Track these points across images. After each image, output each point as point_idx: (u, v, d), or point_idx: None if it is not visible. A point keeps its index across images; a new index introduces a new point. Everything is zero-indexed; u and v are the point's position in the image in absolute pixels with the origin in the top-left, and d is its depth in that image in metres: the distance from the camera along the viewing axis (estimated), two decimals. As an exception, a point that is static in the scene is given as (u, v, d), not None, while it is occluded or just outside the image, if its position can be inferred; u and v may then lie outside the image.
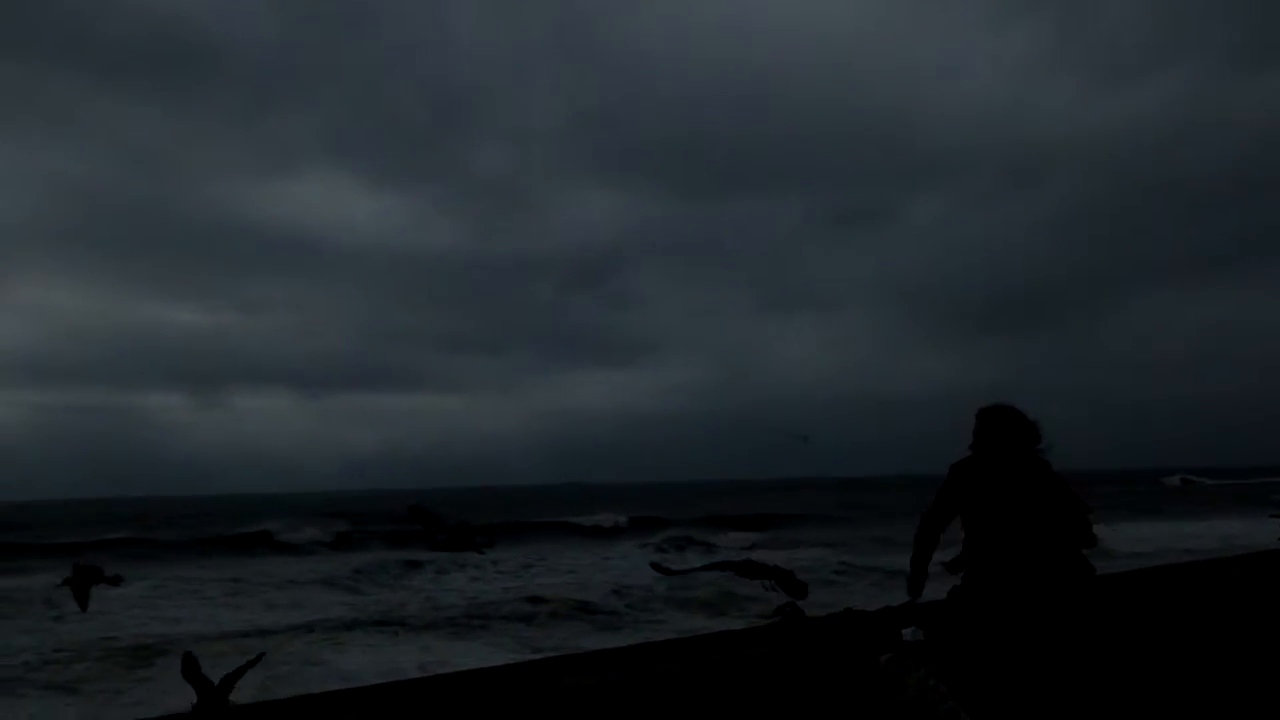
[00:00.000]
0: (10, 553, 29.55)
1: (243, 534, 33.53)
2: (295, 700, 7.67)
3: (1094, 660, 4.12)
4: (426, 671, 9.18)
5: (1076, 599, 3.44)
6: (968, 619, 3.53)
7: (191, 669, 7.74)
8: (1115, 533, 23.19)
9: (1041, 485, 3.53)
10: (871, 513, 40.96)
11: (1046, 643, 3.38)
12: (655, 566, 13.88)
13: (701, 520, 37.22)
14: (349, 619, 13.60)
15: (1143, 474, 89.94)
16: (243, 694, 8.57)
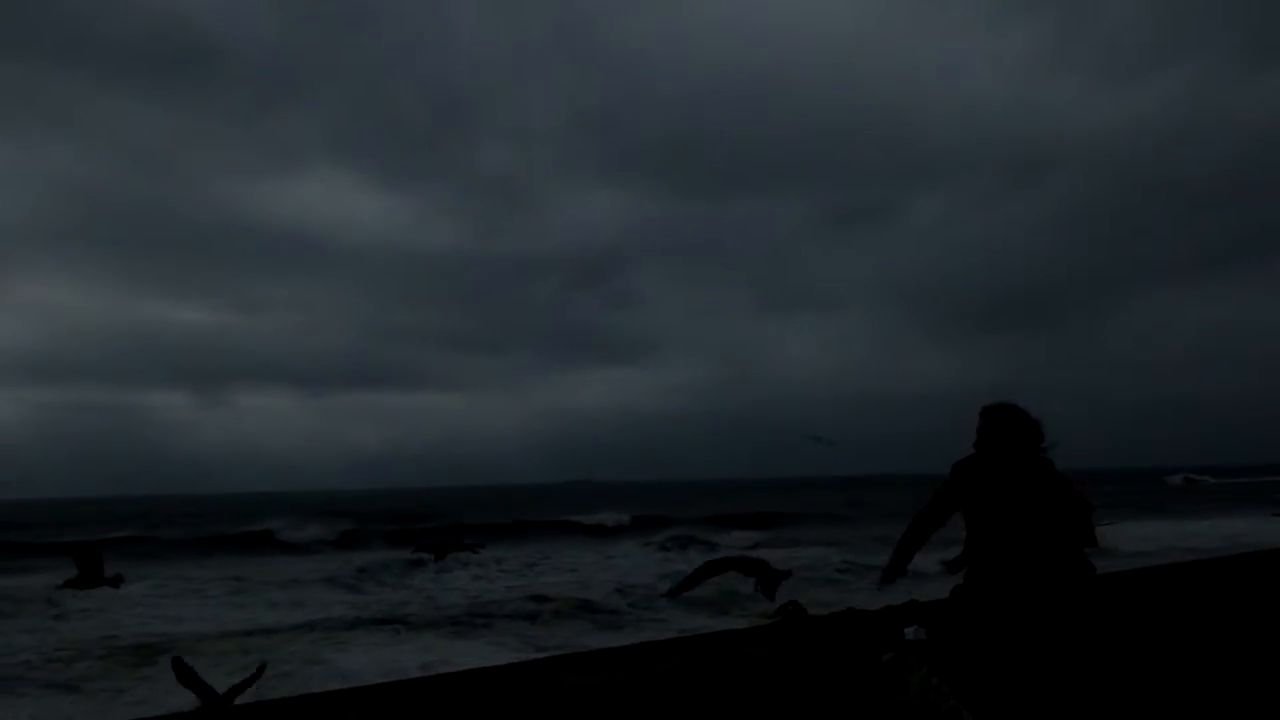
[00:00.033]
0: (12, 551, 29.63)
1: (245, 533, 33.60)
2: (297, 699, 7.67)
3: (1095, 659, 4.11)
4: (429, 671, 9.16)
5: (1076, 598, 3.42)
6: (970, 618, 3.51)
7: (185, 673, 7.73)
8: (1119, 531, 23.16)
9: (1044, 484, 3.52)
10: (873, 511, 40.94)
11: (1047, 642, 3.36)
12: (671, 594, 13.93)
13: (704, 519, 37.21)
14: (351, 618, 13.58)
15: (1144, 473, 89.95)
16: (245, 694, 8.58)
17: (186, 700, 8.06)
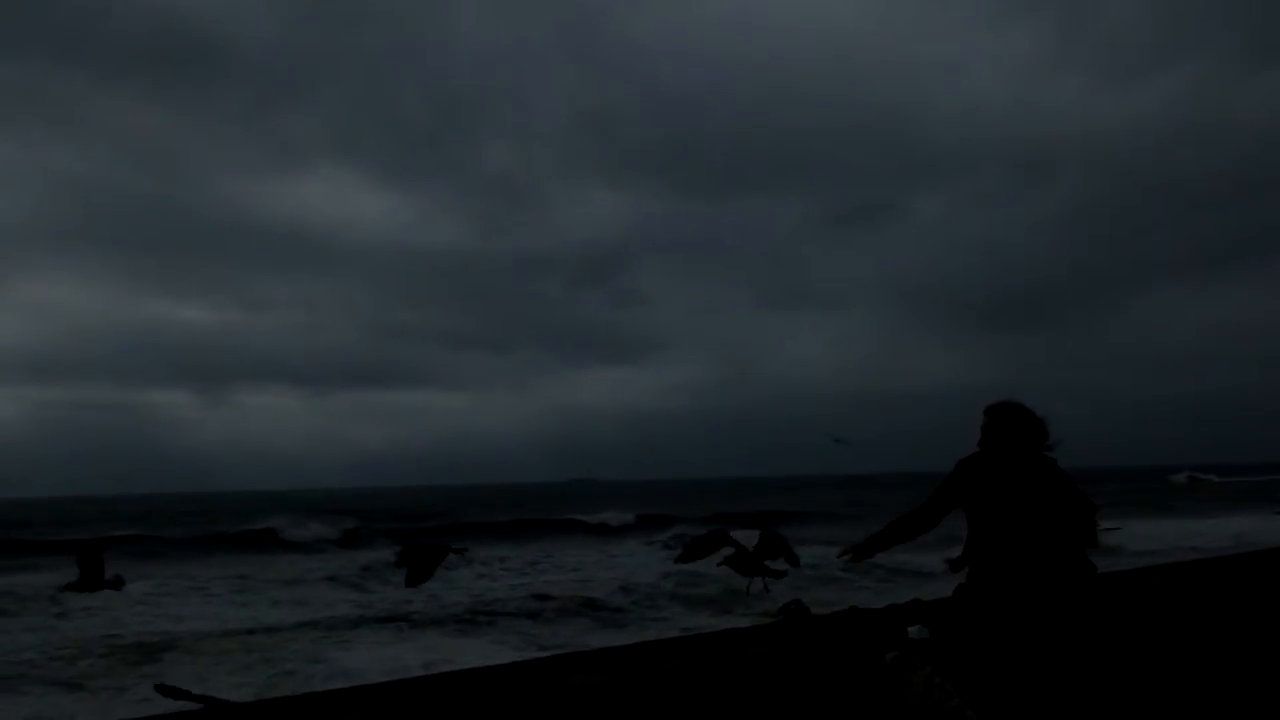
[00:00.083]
0: (14, 550, 29.67)
1: (247, 531, 33.59)
2: (300, 698, 7.67)
3: (1097, 659, 4.09)
4: (432, 669, 9.16)
5: (1077, 598, 3.40)
6: (974, 617, 3.50)
7: (172, 693, 7.66)
8: (1125, 530, 23.12)
9: (1048, 483, 3.50)
10: (875, 510, 40.92)
11: (1050, 641, 3.35)
12: (680, 560, 13.78)
13: (708, 518, 37.20)
14: (354, 616, 13.59)
15: (1147, 471, 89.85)
16: (246, 692, 8.58)
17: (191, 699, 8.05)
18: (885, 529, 3.73)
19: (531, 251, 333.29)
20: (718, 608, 14.10)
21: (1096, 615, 3.56)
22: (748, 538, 13.71)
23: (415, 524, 39.78)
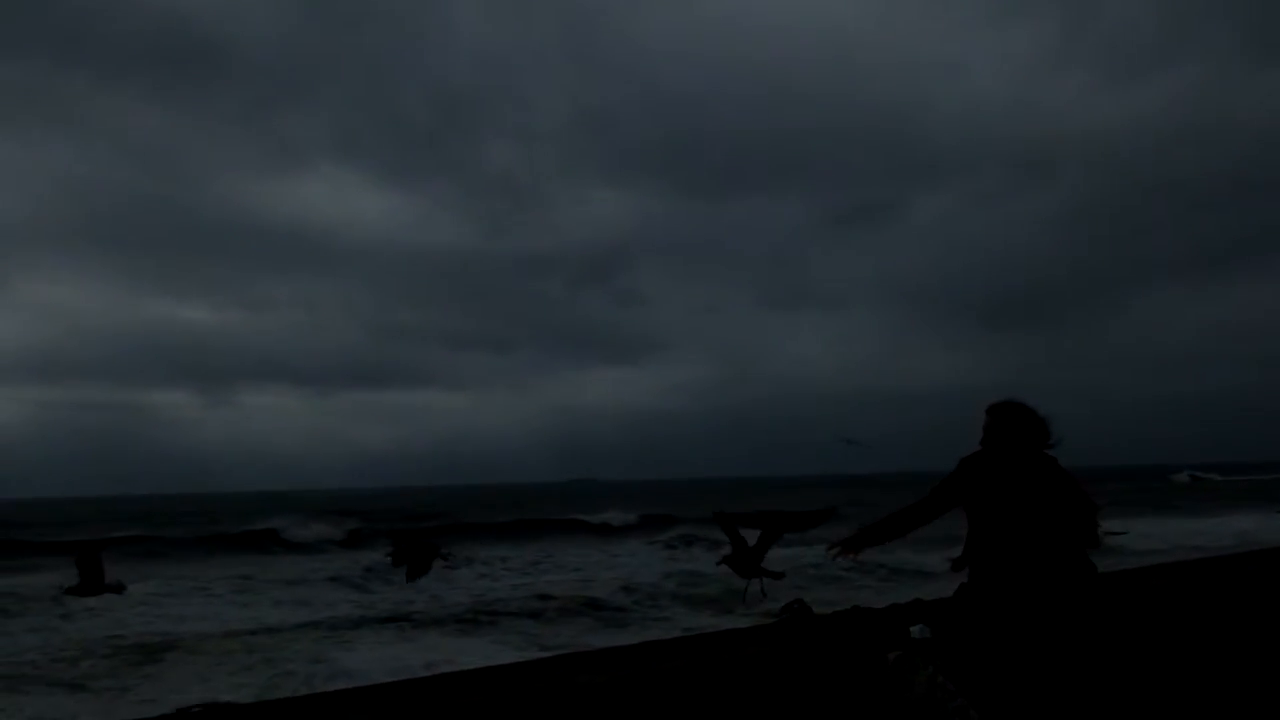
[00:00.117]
0: (15, 551, 29.66)
1: (249, 532, 33.56)
2: (302, 699, 7.68)
3: (1098, 658, 4.09)
4: (434, 669, 9.17)
5: (1077, 598, 3.40)
6: (976, 616, 3.50)
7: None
8: (1128, 529, 23.08)
9: (1051, 483, 3.50)
10: (876, 510, 40.83)
11: (1051, 641, 3.35)
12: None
13: (709, 518, 37.23)
14: (356, 617, 13.59)
15: (1148, 470, 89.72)
16: (248, 693, 8.59)
17: (191, 699, 8.07)
18: (879, 522, 3.72)
19: (532, 251, 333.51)
20: (719, 607, 14.09)
21: (1098, 615, 3.56)
22: (748, 536, 13.69)
23: (417, 524, 39.72)
